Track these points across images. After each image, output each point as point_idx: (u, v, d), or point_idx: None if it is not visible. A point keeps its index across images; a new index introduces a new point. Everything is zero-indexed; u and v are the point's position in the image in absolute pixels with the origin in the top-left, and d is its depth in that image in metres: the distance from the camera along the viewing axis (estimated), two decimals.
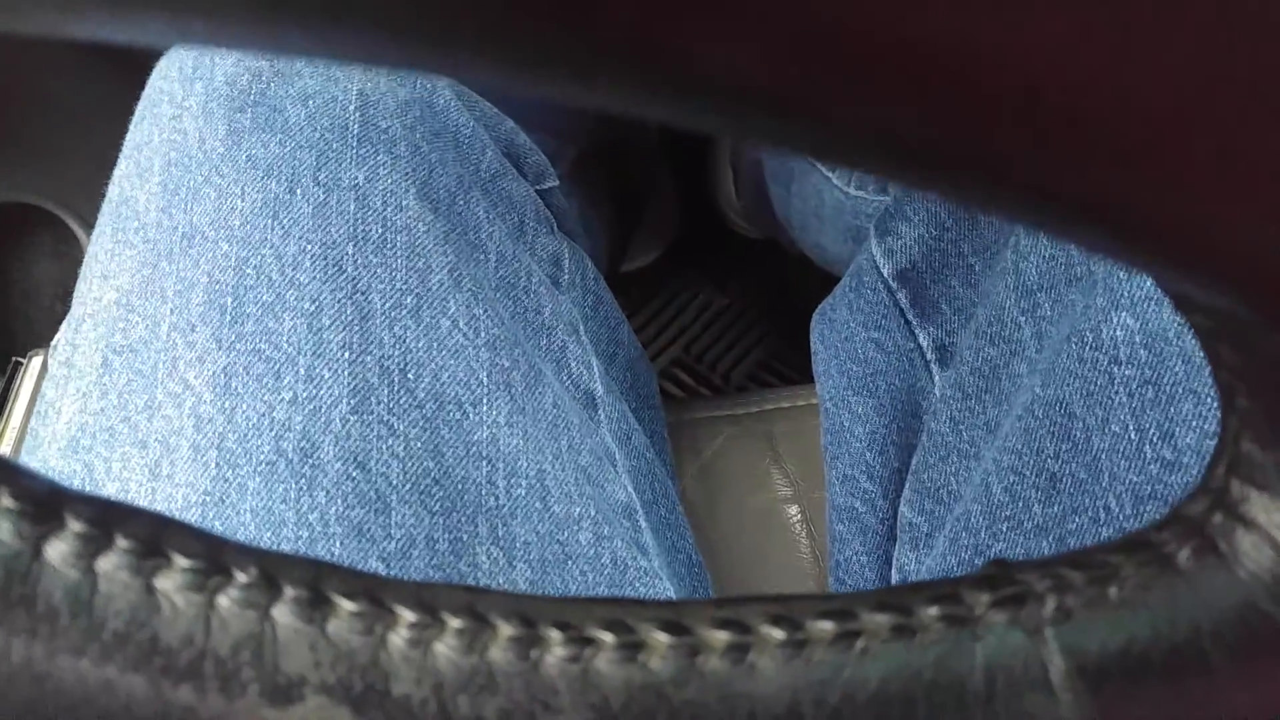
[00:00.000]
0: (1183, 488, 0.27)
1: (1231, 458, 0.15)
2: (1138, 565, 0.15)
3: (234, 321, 0.30)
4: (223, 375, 0.29)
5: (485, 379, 0.32)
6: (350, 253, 0.31)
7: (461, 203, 0.36)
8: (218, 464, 0.27)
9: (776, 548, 0.49)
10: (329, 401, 0.29)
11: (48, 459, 0.29)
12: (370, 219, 0.32)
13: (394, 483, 0.28)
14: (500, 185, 0.39)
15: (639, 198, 0.76)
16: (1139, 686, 0.15)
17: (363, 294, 0.31)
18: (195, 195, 0.32)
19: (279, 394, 0.29)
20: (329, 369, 0.29)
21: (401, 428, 0.29)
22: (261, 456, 0.28)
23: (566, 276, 0.40)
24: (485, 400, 0.31)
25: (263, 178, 0.32)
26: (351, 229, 0.32)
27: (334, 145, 0.33)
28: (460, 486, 0.30)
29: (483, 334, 0.33)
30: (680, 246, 0.95)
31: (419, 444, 0.29)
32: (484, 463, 0.30)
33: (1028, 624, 0.15)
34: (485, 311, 0.33)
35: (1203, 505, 0.15)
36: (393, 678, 0.14)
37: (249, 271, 0.30)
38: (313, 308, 0.30)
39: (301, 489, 0.27)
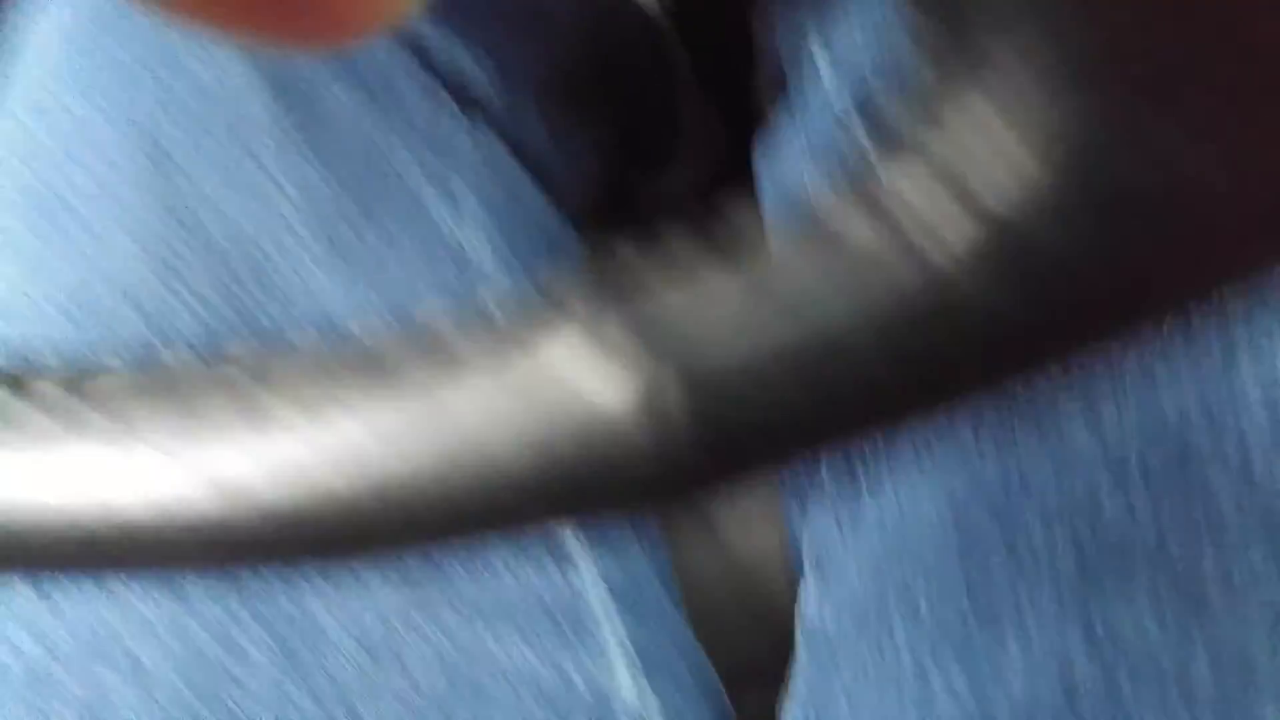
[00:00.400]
0: None
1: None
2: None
3: (41, 203, 0.30)
4: (21, 244, 0.29)
5: (299, 227, 0.31)
6: (160, 118, 0.31)
7: (308, 78, 0.35)
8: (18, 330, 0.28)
9: None
10: (118, 251, 0.29)
11: None
12: (185, 84, 0.32)
13: (180, 329, 0.28)
14: (373, 68, 0.38)
15: (654, 118, 0.74)
16: None
17: (165, 152, 0.31)
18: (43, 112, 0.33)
19: (69, 248, 0.29)
20: (118, 222, 0.29)
21: (190, 274, 0.29)
22: (50, 313, 0.28)
23: (462, 151, 0.38)
24: (297, 247, 0.31)
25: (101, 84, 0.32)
26: (164, 95, 0.32)
27: (176, 44, 0.33)
28: (257, 328, 0.29)
29: (304, 190, 0.32)
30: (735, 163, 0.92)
31: (210, 290, 0.29)
32: (288, 304, 0.30)
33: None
34: (315, 172, 0.32)
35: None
36: None
37: (56, 149, 0.31)
38: (108, 166, 0.30)
39: (72, 333, 0.27)
